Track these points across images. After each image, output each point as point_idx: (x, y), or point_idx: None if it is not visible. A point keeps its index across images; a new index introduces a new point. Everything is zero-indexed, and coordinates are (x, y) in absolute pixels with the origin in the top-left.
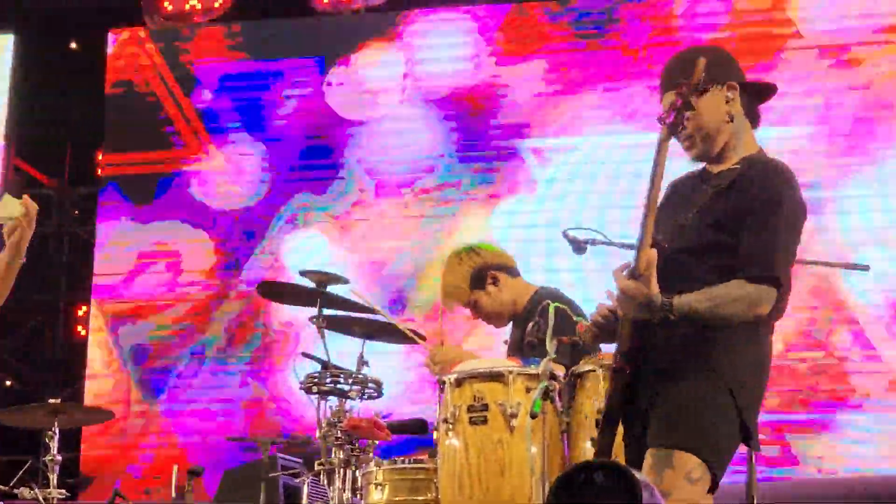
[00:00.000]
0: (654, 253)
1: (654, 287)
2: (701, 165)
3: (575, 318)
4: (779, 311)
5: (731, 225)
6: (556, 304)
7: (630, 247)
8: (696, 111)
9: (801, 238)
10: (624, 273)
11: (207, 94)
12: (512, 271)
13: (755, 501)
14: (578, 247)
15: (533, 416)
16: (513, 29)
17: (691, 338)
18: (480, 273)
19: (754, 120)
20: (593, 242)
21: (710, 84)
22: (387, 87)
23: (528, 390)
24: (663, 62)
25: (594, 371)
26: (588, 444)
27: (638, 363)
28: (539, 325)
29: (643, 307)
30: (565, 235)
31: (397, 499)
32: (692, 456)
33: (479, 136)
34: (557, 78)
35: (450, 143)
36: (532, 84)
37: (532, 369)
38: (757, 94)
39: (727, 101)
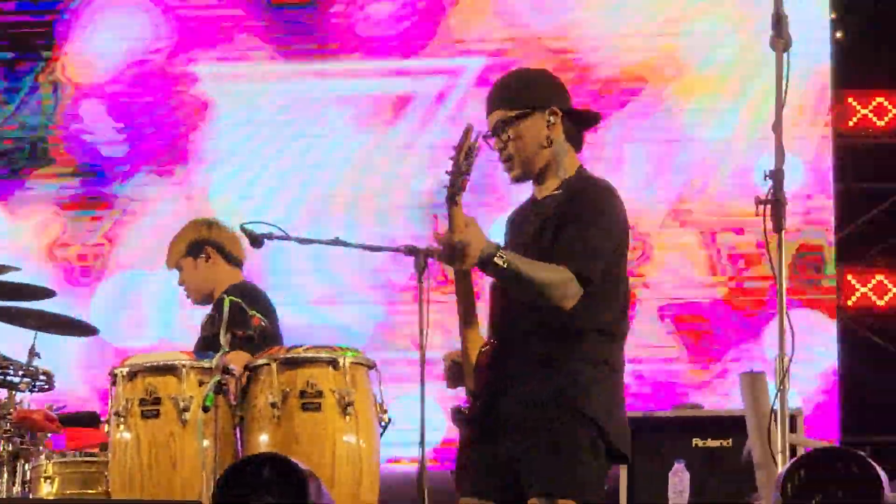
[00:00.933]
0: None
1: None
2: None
3: (250, 313)
4: (615, 321)
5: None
6: (231, 297)
7: (309, 241)
8: (518, 134)
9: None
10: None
11: None
12: (231, 258)
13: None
14: (255, 241)
15: (205, 410)
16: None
17: (548, 375)
18: (201, 243)
19: (577, 144)
20: (270, 237)
21: (529, 110)
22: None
23: (201, 384)
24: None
25: (268, 365)
26: (262, 437)
27: (486, 400)
28: (214, 318)
29: (470, 254)
30: (242, 229)
31: (68, 492)
32: (573, 502)
33: (156, 126)
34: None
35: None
36: (219, 67)
37: (206, 363)
38: (582, 120)
39: (548, 126)
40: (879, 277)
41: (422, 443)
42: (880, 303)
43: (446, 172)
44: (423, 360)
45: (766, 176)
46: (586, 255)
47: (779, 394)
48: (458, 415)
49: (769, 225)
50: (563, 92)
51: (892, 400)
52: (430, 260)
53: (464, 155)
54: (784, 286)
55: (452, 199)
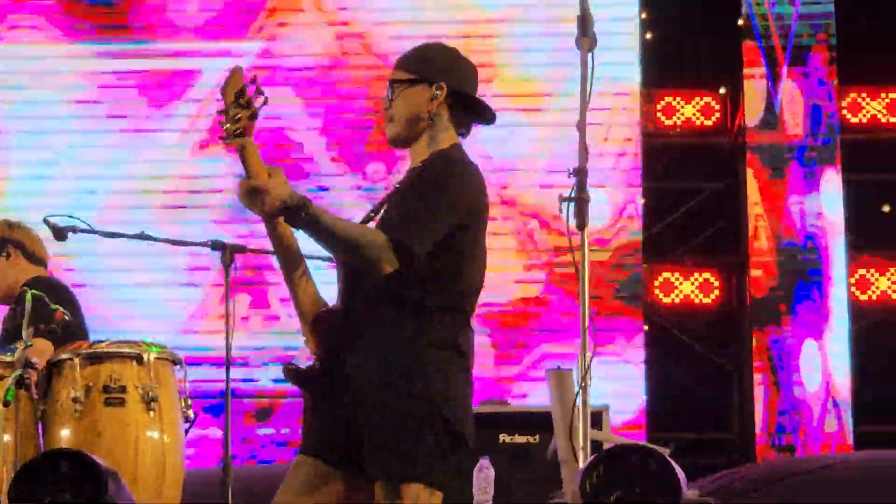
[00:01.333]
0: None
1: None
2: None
3: (53, 307)
4: (461, 300)
5: None
6: (34, 291)
7: (114, 235)
8: (400, 97)
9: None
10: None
11: None
12: (33, 258)
13: (230, 484)
14: (59, 234)
15: (6, 405)
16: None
17: (391, 351)
18: (1, 243)
19: (462, 129)
20: (74, 230)
21: (417, 79)
22: None
23: (1, 378)
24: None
25: (71, 359)
26: (64, 432)
27: (326, 364)
28: (16, 311)
29: (268, 202)
30: (45, 222)
31: None
32: (417, 485)
33: None
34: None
35: None
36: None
37: (7, 357)
38: (473, 110)
39: (431, 99)
40: (686, 276)
41: (226, 438)
42: (692, 298)
43: (217, 112)
44: (229, 351)
45: (569, 174)
46: (411, 225)
47: (580, 390)
48: (290, 371)
49: (573, 222)
50: (463, 75)
51: (697, 397)
52: (236, 255)
53: (232, 97)
54: (587, 283)
55: (227, 139)
